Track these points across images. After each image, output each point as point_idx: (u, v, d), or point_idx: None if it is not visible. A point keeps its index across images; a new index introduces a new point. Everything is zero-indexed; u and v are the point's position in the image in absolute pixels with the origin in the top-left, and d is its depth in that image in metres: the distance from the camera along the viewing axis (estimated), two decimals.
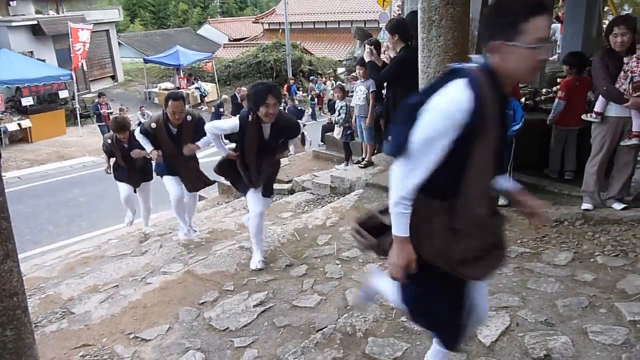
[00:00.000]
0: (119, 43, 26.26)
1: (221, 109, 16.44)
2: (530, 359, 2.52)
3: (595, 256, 3.61)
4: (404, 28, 4.90)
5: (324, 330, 2.93)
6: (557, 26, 11.61)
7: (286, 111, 7.97)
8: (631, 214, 4.08)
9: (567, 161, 5.05)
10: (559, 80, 7.44)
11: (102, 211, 9.27)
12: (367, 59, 5.07)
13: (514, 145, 4.50)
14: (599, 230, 3.98)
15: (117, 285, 4.25)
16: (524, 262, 3.61)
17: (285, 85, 20.87)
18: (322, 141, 11.21)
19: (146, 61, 23.16)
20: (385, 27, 5.03)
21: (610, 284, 3.20)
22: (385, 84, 5.84)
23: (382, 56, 6.33)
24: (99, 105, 15.19)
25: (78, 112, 17.46)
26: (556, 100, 5.01)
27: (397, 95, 4.92)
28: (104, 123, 15.28)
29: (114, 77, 24.44)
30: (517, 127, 4.41)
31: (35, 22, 18.57)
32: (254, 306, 3.47)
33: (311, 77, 22.64)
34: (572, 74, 5.03)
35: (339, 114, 7.19)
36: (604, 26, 4.85)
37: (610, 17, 8.59)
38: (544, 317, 2.85)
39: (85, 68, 20.70)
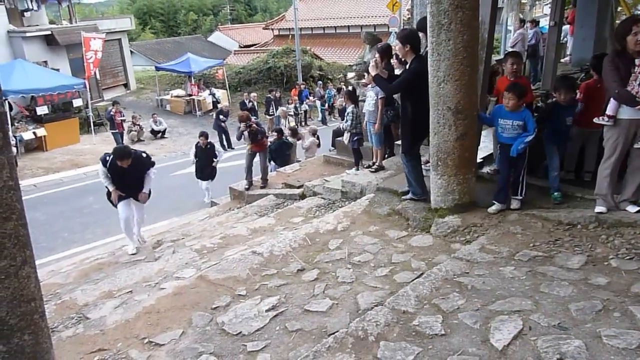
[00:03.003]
0: (131, 51, 26.57)
1: (221, 116, 16.52)
2: None
3: (609, 259, 3.58)
4: (415, 38, 4.88)
5: (335, 334, 2.93)
6: (567, 27, 11.54)
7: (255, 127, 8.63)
8: None
9: (587, 162, 5.01)
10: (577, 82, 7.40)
11: (116, 218, 9.31)
12: (372, 73, 5.01)
13: (527, 151, 4.50)
14: (613, 233, 3.94)
15: (131, 291, 4.30)
16: (536, 266, 3.58)
17: (296, 90, 20.95)
18: (332, 146, 11.24)
19: (158, 69, 23.41)
20: (396, 37, 4.98)
21: (625, 288, 3.17)
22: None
23: (393, 61, 6.34)
24: (112, 114, 15.39)
25: (91, 121, 17.70)
26: None
27: (412, 106, 4.87)
28: (117, 131, 15.48)
29: (126, 85, 24.73)
30: (530, 137, 4.41)
31: (49, 32, 18.86)
32: (266, 311, 3.49)
33: (319, 82, 22.71)
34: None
35: (346, 120, 7.22)
36: None
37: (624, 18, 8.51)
38: (557, 321, 2.83)
39: (98, 77, 20.98)
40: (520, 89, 4.49)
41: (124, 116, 16.24)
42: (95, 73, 19.24)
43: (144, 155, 6.27)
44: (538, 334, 2.74)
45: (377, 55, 5.70)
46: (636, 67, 3.84)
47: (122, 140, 15.88)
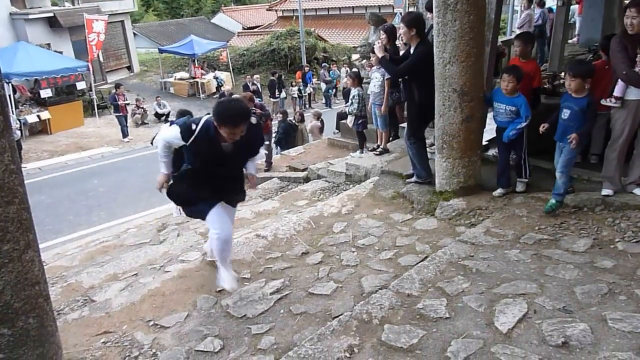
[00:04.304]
0: (134, 33, 26.40)
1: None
2: (548, 346, 2.49)
3: (615, 242, 3.55)
4: (421, 22, 4.80)
5: (340, 317, 2.94)
6: (575, 7, 11.33)
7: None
8: None
9: (594, 145, 4.93)
10: None
11: (121, 201, 9.41)
12: (379, 55, 4.93)
13: (525, 134, 4.42)
14: (619, 216, 3.91)
15: (136, 274, 4.32)
16: (542, 249, 3.57)
17: (300, 73, 20.79)
18: (337, 129, 11.18)
19: (161, 51, 23.27)
20: (401, 21, 4.86)
21: (631, 271, 3.15)
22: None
23: (398, 42, 6.24)
24: (116, 96, 15.34)
25: (95, 103, 17.66)
26: None
27: (418, 89, 4.81)
28: (121, 114, 15.44)
29: (129, 68, 24.62)
30: (522, 125, 4.33)
31: (51, 14, 18.73)
32: (271, 294, 3.50)
33: (323, 64, 22.51)
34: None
35: (352, 103, 7.11)
36: None
37: None
38: (562, 304, 2.82)
39: (101, 59, 20.89)
40: (519, 72, 4.40)
41: (127, 99, 16.20)
42: (98, 55, 19.15)
43: (256, 121, 3.52)
44: (543, 317, 2.73)
45: (383, 35, 5.60)
46: None
47: (126, 123, 15.86)
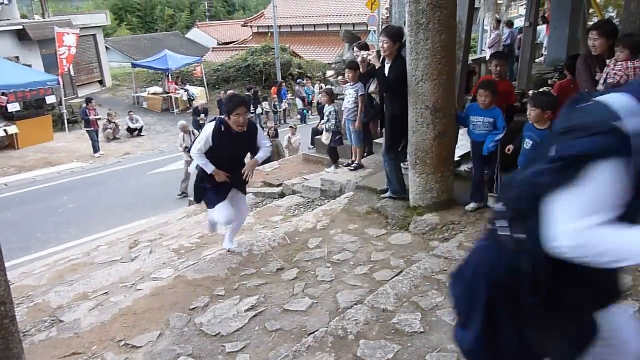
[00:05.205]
0: (107, 47, 26.05)
1: (201, 114, 16.22)
2: None
3: None
4: (403, 37, 4.84)
5: (315, 333, 2.93)
6: (542, 27, 11.76)
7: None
8: None
9: None
10: (550, 82, 7.55)
11: (92, 218, 9.21)
12: (376, 65, 4.84)
13: (500, 149, 4.54)
14: None
15: (107, 293, 4.22)
16: None
17: (276, 89, 20.86)
18: (312, 144, 11.23)
19: (134, 66, 23.01)
20: (386, 34, 4.83)
21: None
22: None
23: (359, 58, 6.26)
24: (87, 111, 15.06)
25: (66, 118, 17.29)
26: None
27: (400, 104, 4.80)
28: (92, 128, 15.14)
29: (101, 82, 24.25)
30: (499, 136, 4.45)
31: (20, 27, 18.35)
32: (246, 311, 3.46)
33: (298, 80, 22.65)
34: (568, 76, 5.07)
35: (328, 120, 7.12)
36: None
37: (596, 19, 8.72)
38: None
39: (72, 73, 20.52)
40: (494, 86, 4.54)
41: (98, 114, 15.92)
42: (69, 69, 18.81)
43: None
44: None
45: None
46: (606, 68, 3.95)
47: (98, 138, 15.58)
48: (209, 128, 4.13)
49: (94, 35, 23.32)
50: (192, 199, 9.56)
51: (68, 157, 15.16)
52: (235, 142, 4.14)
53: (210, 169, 4.16)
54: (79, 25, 20.55)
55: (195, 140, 4.42)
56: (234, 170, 4.26)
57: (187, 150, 9.83)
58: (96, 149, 15.30)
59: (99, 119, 15.88)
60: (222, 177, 4.20)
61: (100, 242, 7.05)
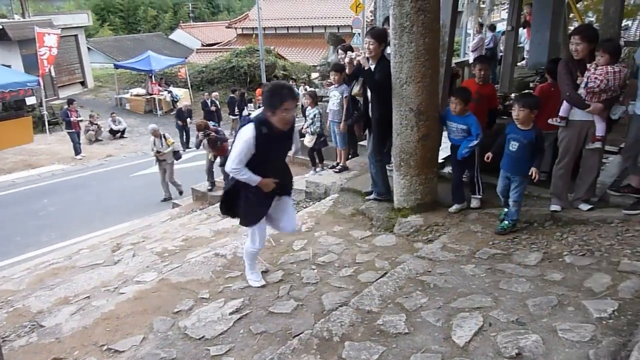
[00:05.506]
0: (89, 48, 25.73)
1: (185, 116, 15.96)
2: (503, 357, 2.57)
3: (563, 256, 3.72)
4: (387, 38, 4.85)
5: (300, 336, 2.93)
6: (524, 31, 11.92)
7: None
8: (597, 214, 4.22)
9: (543, 162, 5.14)
10: (531, 85, 7.66)
11: (73, 221, 9.07)
12: (365, 67, 4.81)
13: (478, 152, 4.60)
14: (567, 230, 4.10)
15: (88, 296, 4.16)
16: (496, 264, 3.68)
17: (260, 90, 20.79)
18: None
19: (117, 66, 22.76)
20: (371, 36, 4.81)
21: (578, 283, 3.29)
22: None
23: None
24: (68, 112, 14.84)
25: (46, 119, 17.03)
26: None
27: (386, 106, 4.80)
28: (73, 130, 14.93)
29: (83, 83, 23.94)
30: (473, 143, 4.50)
31: (0, 27, 18.06)
32: (230, 314, 3.44)
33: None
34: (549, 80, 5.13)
35: (313, 123, 7.10)
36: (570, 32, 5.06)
37: (576, 24, 8.87)
38: (515, 317, 2.92)
39: (53, 74, 20.23)
40: (466, 94, 4.58)
41: (79, 115, 15.70)
42: (50, 70, 18.54)
43: None
44: (498, 329, 2.81)
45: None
46: (587, 72, 4.02)
47: (79, 139, 15.36)
48: (247, 133, 3.31)
49: (76, 36, 23.05)
50: (177, 201, 9.50)
51: (49, 159, 14.92)
52: (280, 142, 3.51)
53: (255, 180, 3.44)
54: (60, 25, 20.27)
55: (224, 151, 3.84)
56: (280, 174, 3.64)
57: (159, 153, 9.79)
58: (77, 151, 15.09)
59: (81, 120, 15.67)
60: (271, 185, 3.54)
61: (81, 246, 6.96)
